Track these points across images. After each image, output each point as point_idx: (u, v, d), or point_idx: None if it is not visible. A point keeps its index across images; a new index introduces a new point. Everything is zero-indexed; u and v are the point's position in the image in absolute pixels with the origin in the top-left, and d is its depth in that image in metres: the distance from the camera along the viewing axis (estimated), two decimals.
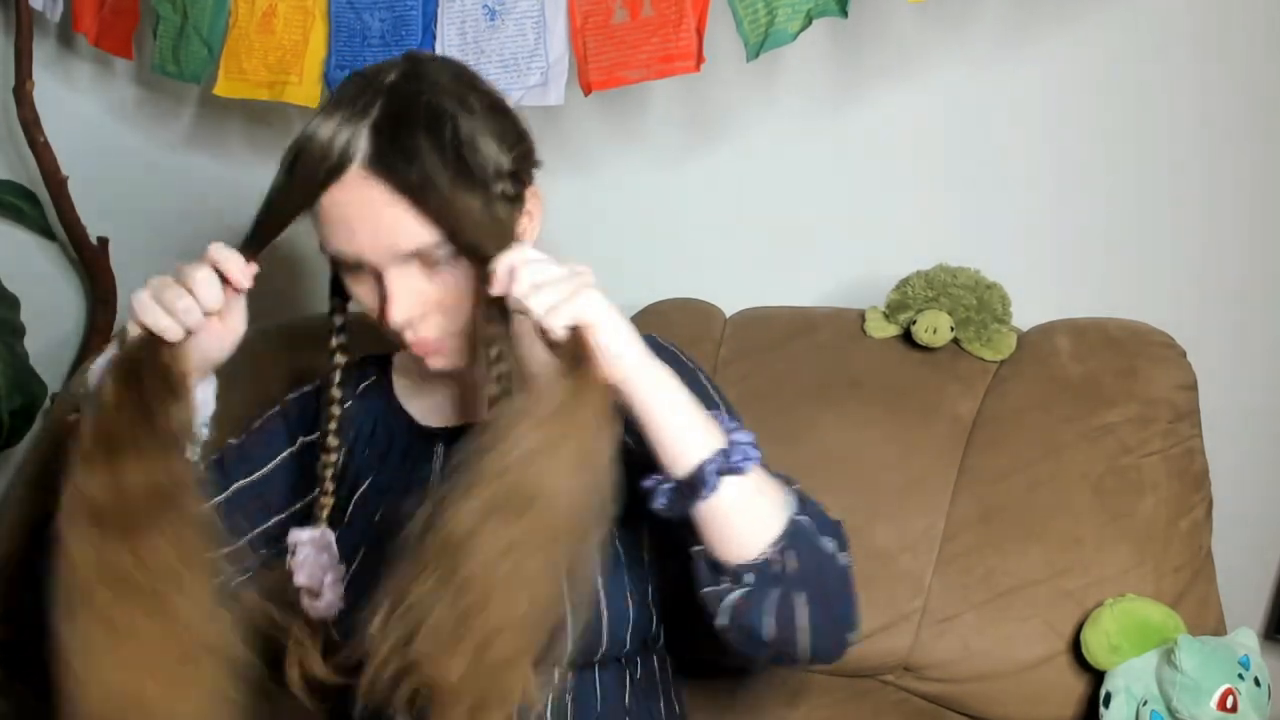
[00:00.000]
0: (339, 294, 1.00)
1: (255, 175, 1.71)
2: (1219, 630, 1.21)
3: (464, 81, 0.93)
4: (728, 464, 0.83)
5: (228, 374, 0.98)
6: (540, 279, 0.83)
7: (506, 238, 0.88)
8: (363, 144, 0.86)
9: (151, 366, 0.88)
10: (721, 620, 0.86)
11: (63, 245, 1.82)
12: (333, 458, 1.02)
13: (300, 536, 0.99)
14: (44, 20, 1.68)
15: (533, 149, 0.97)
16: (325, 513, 1.01)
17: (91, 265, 1.76)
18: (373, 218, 0.87)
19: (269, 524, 1.05)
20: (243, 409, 1.10)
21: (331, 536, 0.99)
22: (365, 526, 1.01)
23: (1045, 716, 1.20)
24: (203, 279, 0.91)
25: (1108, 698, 1.14)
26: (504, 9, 1.36)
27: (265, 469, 1.06)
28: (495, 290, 0.84)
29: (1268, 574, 1.43)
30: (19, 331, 1.72)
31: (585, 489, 0.79)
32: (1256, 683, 1.12)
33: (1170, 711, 1.11)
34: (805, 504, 0.89)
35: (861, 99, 1.47)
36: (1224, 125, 1.37)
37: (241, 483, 1.05)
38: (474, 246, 0.86)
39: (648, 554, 0.99)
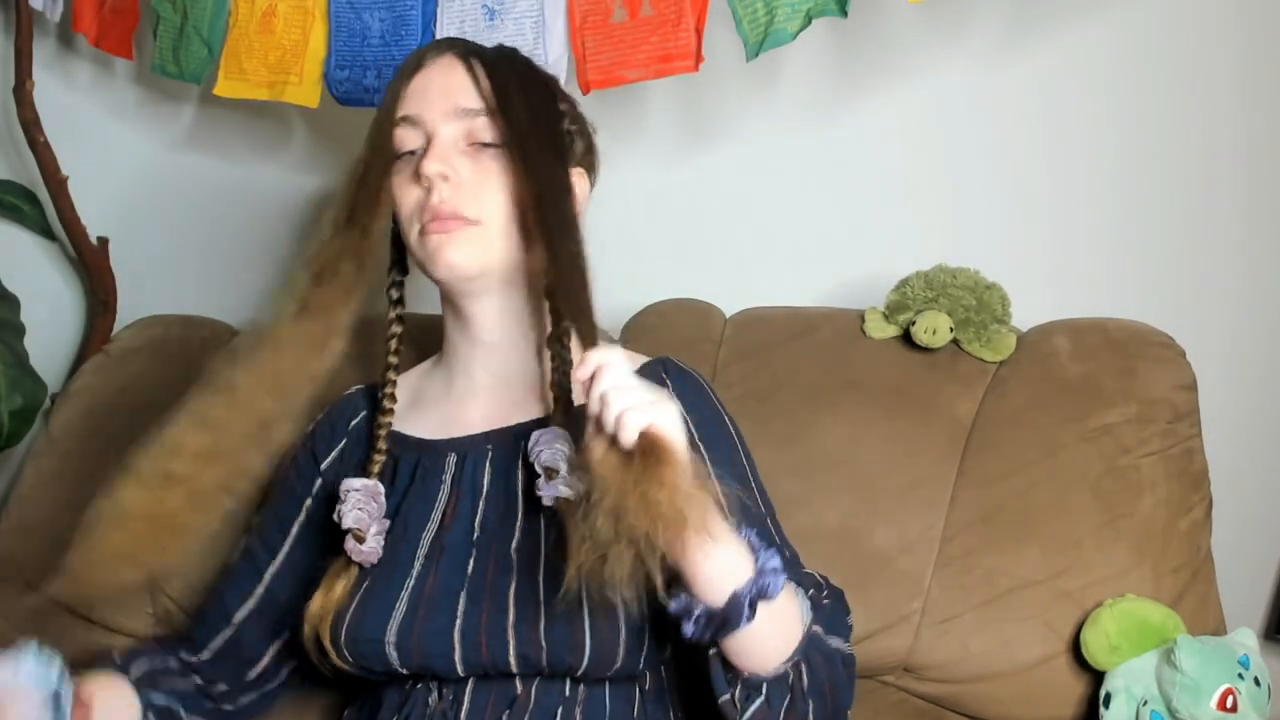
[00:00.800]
0: (399, 265, 1.09)
1: (255, 175, 1.73)
2: (1219, 630, 1.21)
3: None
4: (760, 592, 0.83)
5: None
6: (619, 384, 0.81)
7: (556, 148, 1.00)
8: (459, 45, 1.01)
9: None
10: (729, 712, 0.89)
11: (63, 245, 1.82)
12: (388, 419, 1.06)
13: (353, 484, 1.01)
14: (44, 20, 1.68)
15: (593, 140, 1.11)
16: (377, 469, 1.03)
17: (91, 265, 1.76)
18: (446, 77, 0.98)
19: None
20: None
21: (381, 489, 1.01)
22: (387, 540, 1.02)
23: (1045, 717, 1.20)
24: None
25: (1107, 698, 1.14)
26: (503, 8, 1.36)
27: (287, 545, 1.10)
28: (579, 377, 0.82)
29: (1267, 574, 1.43)
30: (19, 331, 1.72)
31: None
32: (1256, 682, 1.12)
33: (1170, 711, 1.11)
34: (817, 608, 0.92)
35: (861, 99, 1.47)
36: (1223, 125, 1.37)
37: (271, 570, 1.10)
38: (520, 136, 0.96)
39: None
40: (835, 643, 0.93)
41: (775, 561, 0.85)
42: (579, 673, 0.95)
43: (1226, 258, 1.40)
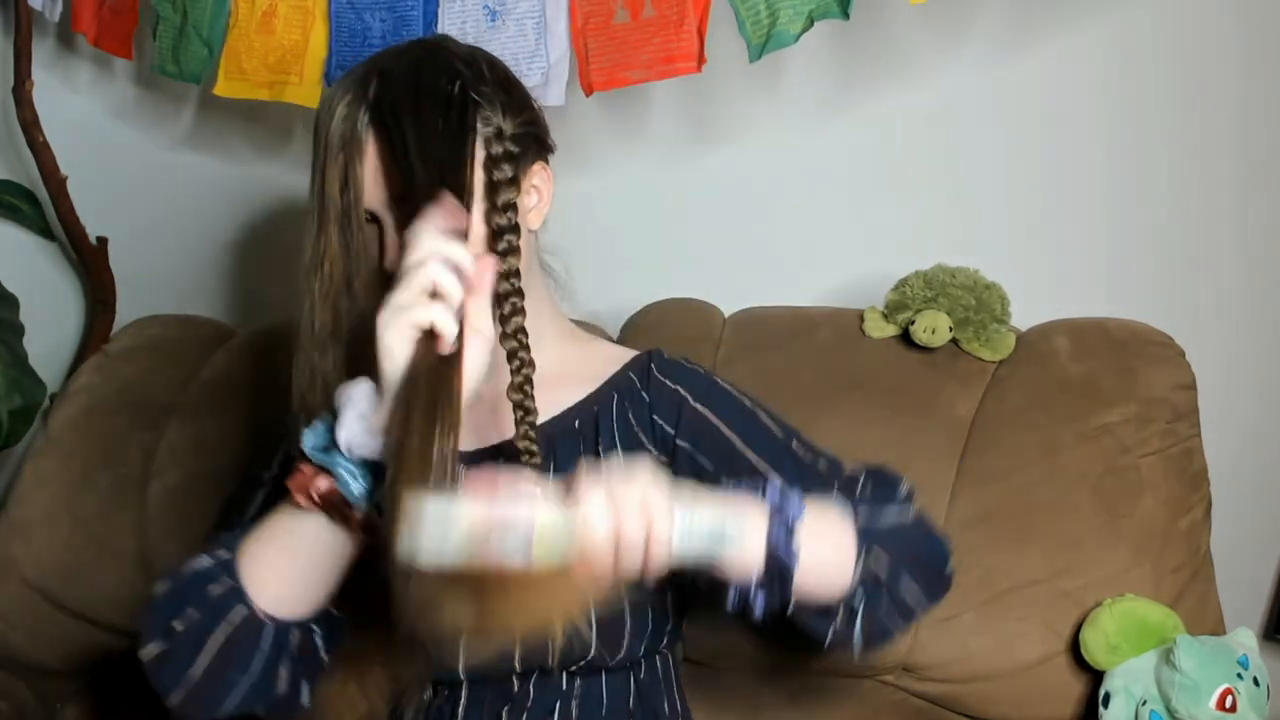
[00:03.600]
0: None
1: (255, 175, 1.73)
2: (1218, 630, 1.21)
3: (479, 56, 0.98)
4: (788, 526, 0.82)
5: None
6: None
7: (495, 190, 0.91)
8: (371, 92, 0.91)
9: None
10: (859, 651, 0.88)
11: (62, 245, 1.82)
12: None
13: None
14: (44, 20, 1.68)
15: (543, 127, 1.00)
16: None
17: (91, 265, 1.76)
18: (374, 169, 0.91)
19: None
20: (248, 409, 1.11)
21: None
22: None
23: (1044, 716, 1.20)
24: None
25: (1107, 698, 1.14)
26: (505, 9, 1.36)
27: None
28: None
29: (1267, 574, 1.43)
30: (19, 331, 1.72)
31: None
32: (1255, 682, 1.12)
33: (1169, 711, 1.11)
34: (852, 493, 0.91)
35: (862, 100, 1.48)
36: (1224, 125, 1.38)
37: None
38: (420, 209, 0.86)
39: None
40: (890, 516, 0.90)
41: (775, 487, 0.84)
42: (583, 665, 0.95)
43: (1226, 258, 1.40)
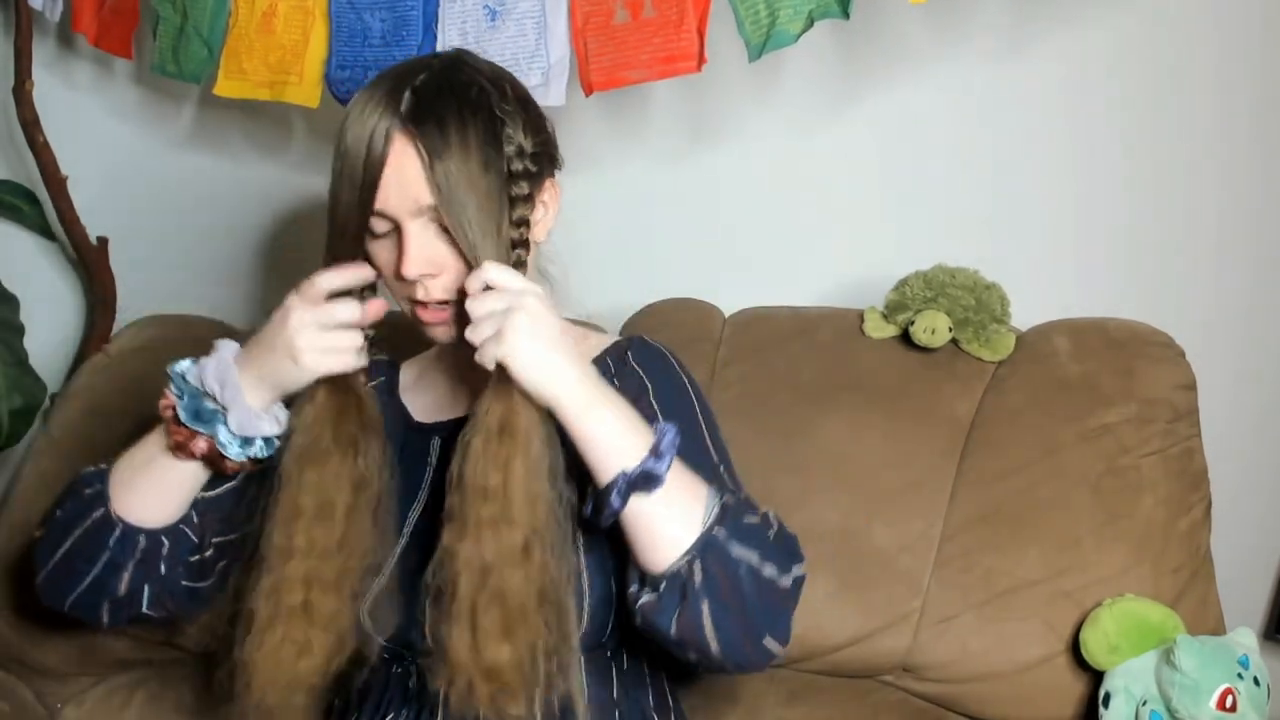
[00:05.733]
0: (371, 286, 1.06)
1: (255, 175, 1.73)
2: (1218, 630, 1.21)
3: (501, 74, 1.02)
4: (629, 485, 0.89)
5: None
6: (478, 312, 0.91)
7: (503, 218, 0.96)
8: (404, 103, 0.94)
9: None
10: (637, 620, 0.93)
11: (63, 245, 1.82)
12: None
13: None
14: (44, 20, 1.68)
15: (555, 146, 1.05)
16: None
17: (91, 265, 1.76)
18: (401, 172, 0.94)
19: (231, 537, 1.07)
20: None
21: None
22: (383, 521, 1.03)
23: (1044, 717, 1.20)
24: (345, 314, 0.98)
25: (1107, 698, 1.14)
26: (505, 9, 1.36)
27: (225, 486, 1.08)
28: (468, 286, 0.93)
29: (1267, 574, 1.43)
30: (19, 331, 1.72)
31: (540, 494, 0.91)
32: (1256, 682, 1.12)
33: (1170, 711, 1.11)
34: (730, 518, 0.91)
35: (862, 100, 1.48)
36: (1224, 125, 1.38)
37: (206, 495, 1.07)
38: (461, 222, 0.94)
39: (611, 542, 1.01)
40: (749, 556, 0.91)
41: (657, 464, 0.90)
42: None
43: (1226, 258, 1.40)
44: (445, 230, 0.95)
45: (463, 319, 0.95)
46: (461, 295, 0.95)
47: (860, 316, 1.37)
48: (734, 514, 0.91)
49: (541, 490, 0.92)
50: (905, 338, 1.33)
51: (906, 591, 1.23)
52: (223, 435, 0.98)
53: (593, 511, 0.92)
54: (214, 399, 0.98)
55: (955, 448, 1.27)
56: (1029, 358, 1.30)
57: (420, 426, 1.09)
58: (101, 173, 1.76)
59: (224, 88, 1.47)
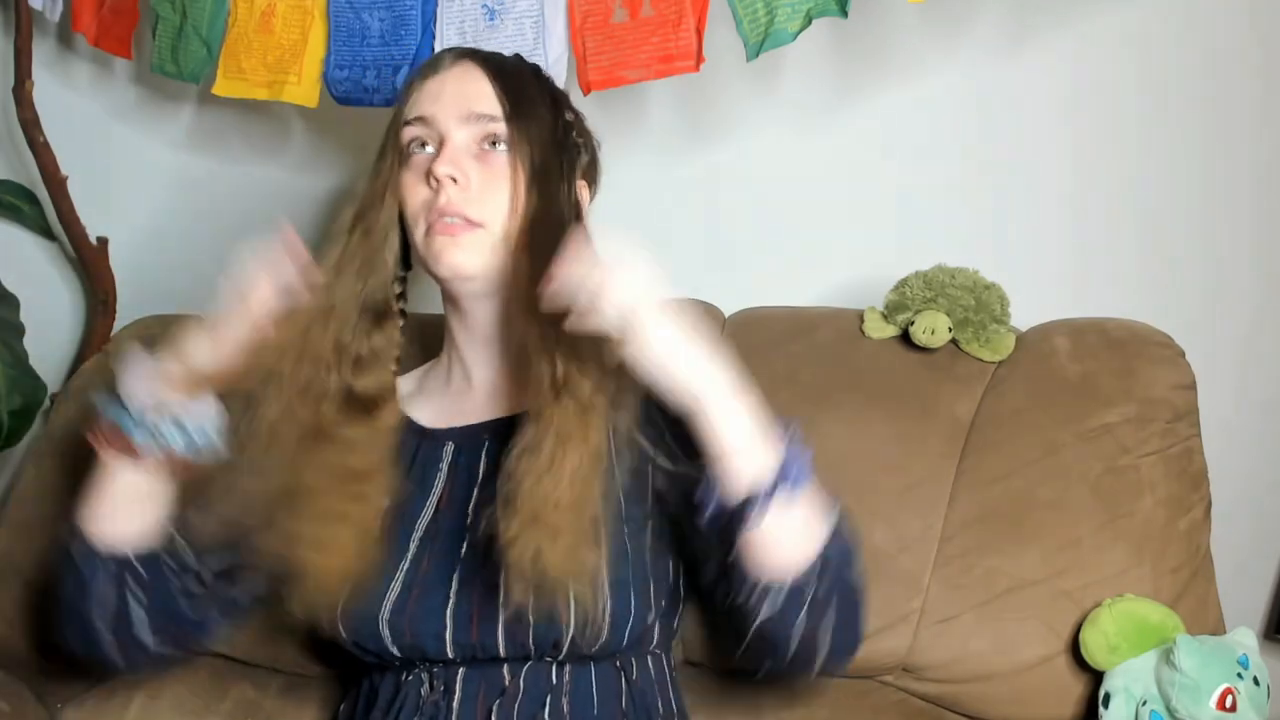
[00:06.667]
0: (403, 261, 1.09)
1: (255, 175, 1.73)
2: (1218, 630, 1.21)
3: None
4: (779, 489, 0.85)
5: None
6: (601, 278, 0.89)
7: (563, 160, 1.02)
8: (477, 54, 1.04)
9: None
10: (749, 632, 0.90)
11: (63, 245, 1.82)
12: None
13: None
14: (44, 20, 1.68)
15: (596, 154, 1.14)
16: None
17: (91, 265, 1.76)
18: (461, 83, 1.00)
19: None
20: None
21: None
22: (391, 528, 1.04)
23: (1044, 717, 1.20)
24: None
25: (1106, 698, 1.14)
26: (503, 8, 1.36)
27: None
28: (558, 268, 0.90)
29: (1267, 574, 1.43)
30: (19, 331, 1.72)
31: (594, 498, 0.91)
32: (1256, 682, 1.12)
33: (1170, 711, 1.11)
34: (842, 529, 0.91)
35: (861, 99, 1.48)
36: (1224, 125, 1.38)
37: None
38: (530, 144, 0.99)
39: (650, 553, 1.00)
40: (857, 571, 0.92)
41: (798, 455, 0.87)
42: (564, 649, 0.97)
43: (1227, 257, 1.40)
44: (482, 149, 0.99)
45: (478, 252, 0.99)
46: (484, 218, 0.99)
47: (860, 316, 1.37)
48: (846, 519, 0.91)
49: (594, 495, 0.91)
50: (905, 338, 1.33)
51: (906, 591, 1.22)
52: (125, 422, 1.00)
53: (723, 517, 0.88)
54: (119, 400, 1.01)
55: (955, 448, 1.27)
56: (1029, 358, 1.30)
57: (433, 433, 1.09)
58: (101, 173, 1.76)
59: (223, 87, 1.48)
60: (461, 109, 0.99)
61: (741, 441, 0.88)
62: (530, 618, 0.95)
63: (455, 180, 0.98)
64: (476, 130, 1.00)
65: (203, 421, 1.01)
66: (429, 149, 1.02)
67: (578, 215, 1.06)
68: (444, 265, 1.01)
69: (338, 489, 0.99)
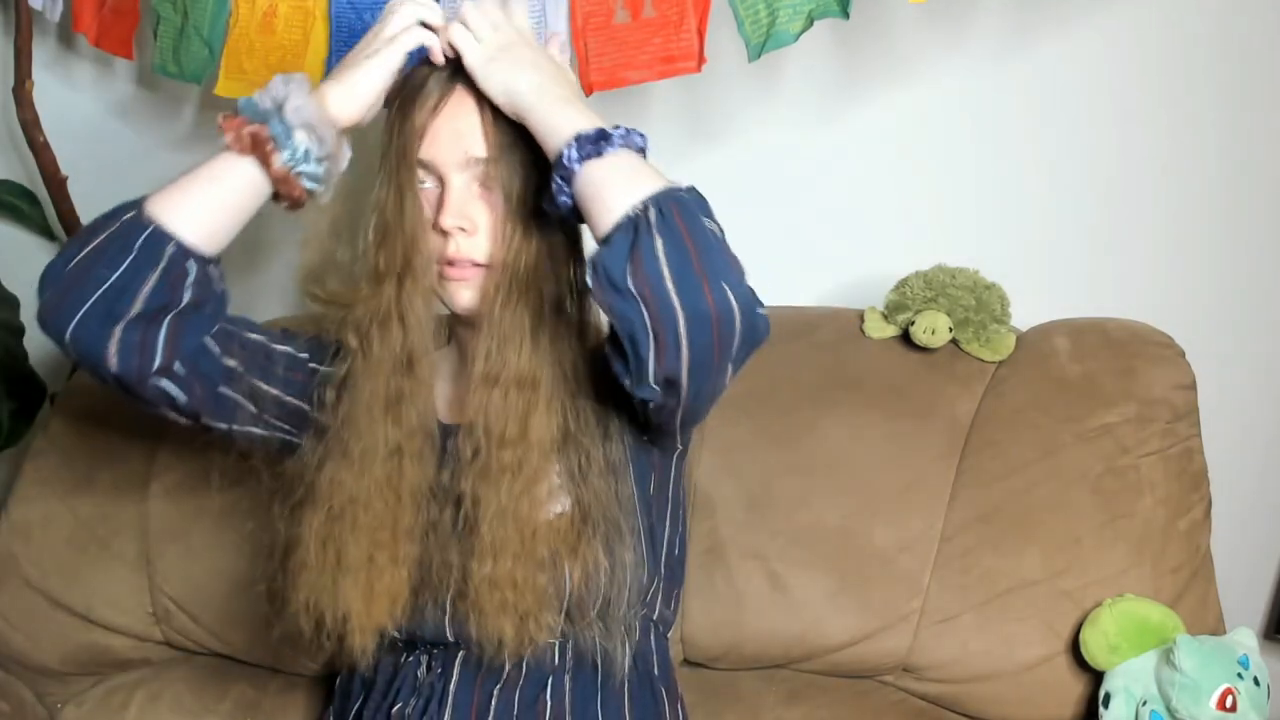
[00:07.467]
0: None
1: None
2: (1218, 630, 1.21)
3: None
4: (593, 146, 0.89)
5: None
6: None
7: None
8: (465, 77, 0.99)
9: None
10: (590, 281, 0.87)
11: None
12: None
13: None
14: (44, 20, 1.68)
15: None
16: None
17: None
18: (456, 121, 0.98)
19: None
20: None
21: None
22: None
23: (1044, 717, 1.20)
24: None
25: (1107, 698, 1.14)
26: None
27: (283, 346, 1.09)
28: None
29: (1267, 574, 1.43)
30: (18, 331, 1.72)
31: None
32: (1256, 682, 1.12)
33: (1170, 711, 1.11)
34: (695, 195, 0.92)
35: (862, 100, 1.48)
36: (1225, 125, 1.38)
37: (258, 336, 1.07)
38: (519, 189, 0.98)
39: (644, 519, 1.03)
40: (705, 218, 0.92)
41: (630, 134, 0.92)
42: (560, 615, 0.99)
43: (1226, 258, 1.40)
44: (484, 188, 0.99)
45: (485, 290, 1.00)
46: (489, 258, 0.99)
47: (860, 316, 1.37)
48: (699, 195, 0.91)
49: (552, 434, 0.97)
50: (905, 338, 1.33)
51: (906, 591, 1.23)
52: (275, 127, 0.94)
53: (560, 187, 0.91)
54: (273, 100, 0.95)
55: (955, 448, 1.27)
56: (1029, 358, 1.30)
57: (443, 425, 1.09)
58: (101, 173, 1.75)
59: (225, 88, 1.47)
60: (457, 155, 0.99)
61: (569, 127, 0.91)
62: (531, 583, 0.97)
63: (464, 229, 1.00)
64: (473, 173, 1.00)
65: (337, 160, 0.99)
66: (429, 185, 1.02)
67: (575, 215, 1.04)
68: (459, 306, 1.03)
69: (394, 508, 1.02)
